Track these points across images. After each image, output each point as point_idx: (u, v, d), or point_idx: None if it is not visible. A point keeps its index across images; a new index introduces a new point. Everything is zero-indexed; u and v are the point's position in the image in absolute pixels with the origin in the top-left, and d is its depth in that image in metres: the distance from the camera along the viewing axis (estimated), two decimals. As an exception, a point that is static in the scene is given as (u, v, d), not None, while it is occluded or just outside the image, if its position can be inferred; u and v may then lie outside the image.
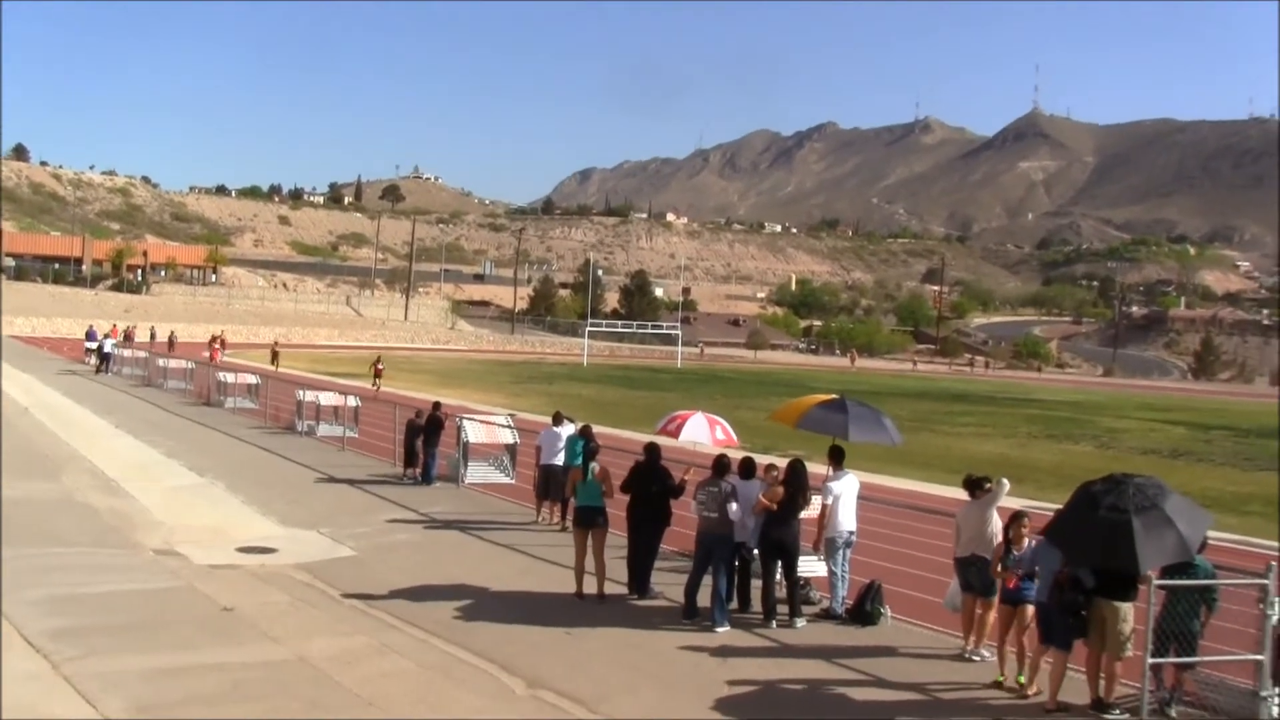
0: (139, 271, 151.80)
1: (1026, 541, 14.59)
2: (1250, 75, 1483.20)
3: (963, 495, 16.72)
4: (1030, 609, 14.42)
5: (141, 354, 66.70)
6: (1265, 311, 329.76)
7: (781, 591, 17.77)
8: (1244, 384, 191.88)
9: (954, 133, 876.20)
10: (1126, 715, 13.52)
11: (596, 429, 24.46)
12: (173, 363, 59.04)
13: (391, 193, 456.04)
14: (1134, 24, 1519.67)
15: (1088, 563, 13.60)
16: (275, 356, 76.08)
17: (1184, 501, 13.78)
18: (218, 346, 74.44)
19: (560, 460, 24.53)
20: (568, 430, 25.27)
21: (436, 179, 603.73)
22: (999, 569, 14.79)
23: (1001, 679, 14.46)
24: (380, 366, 63.26)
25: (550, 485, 24.86)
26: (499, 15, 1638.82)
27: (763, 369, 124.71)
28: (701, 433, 23.34)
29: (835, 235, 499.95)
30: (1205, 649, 13.81)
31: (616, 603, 18.12)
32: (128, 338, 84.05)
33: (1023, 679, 14.38)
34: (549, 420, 26.82)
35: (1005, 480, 16.60)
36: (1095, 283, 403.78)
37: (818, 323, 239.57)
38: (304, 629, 15.84)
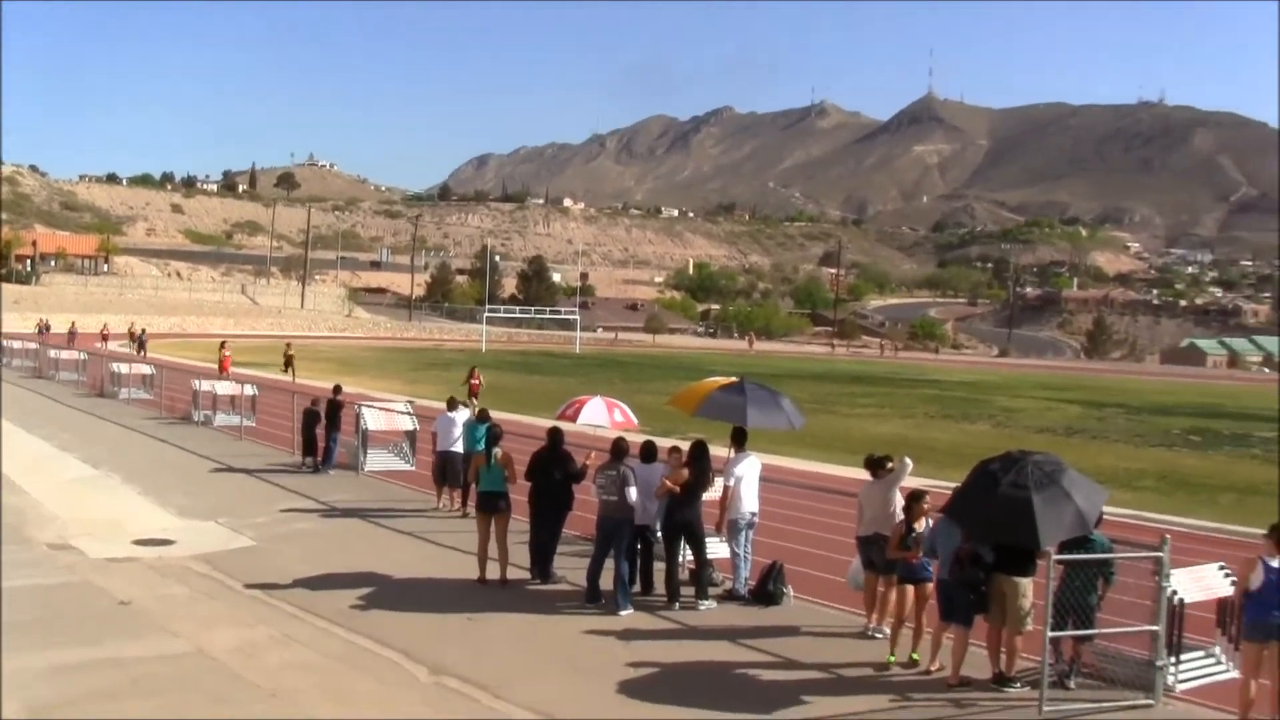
0: (28, 262, 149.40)
1: (925, 520, 14.75)
2: (1140, 59, 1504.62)
3: (864, 475, 16.83)
4: (929, 586, 14.58)
5: (32, 345, 65.68)
6: (1155, 291, 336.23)
7: (685, 573, 17.86)
8: (1135, 362, 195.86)
9: (849, 117, 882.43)
10: (1027, 688, 13.70)
11: (496, 415, 24.44)
12: (64, 354, 58.12)
13: (287, 180, 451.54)
14: (1026, 8, 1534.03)
15: (990, 539, 13.78)
16: (289, 363, 60.51)
17: (1080, 478, 14.01)
18: (228, 354, 58.11)
19: (457, 446, 24.58)
20: (462, 416, 25.39)
21: (332, 166, 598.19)
22: (898, 548, 14.91)
23: (892, 659, 14.59)
24: (478, 382, 49.95)
25: (448, 471, 24.86)
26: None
27: (662, 353, 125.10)
28: (600, 415, 23.38)
29: (732, 219, 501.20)
30: (1102, 621, 14.00)
31: (519, 588, 18.10)
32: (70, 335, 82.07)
33: (917, 655, 14.52)
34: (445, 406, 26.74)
35: (908, 460, 16.74)
36: (990, 264, 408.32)
37: (715, 306, 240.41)
38: (204, 621, 15.67)
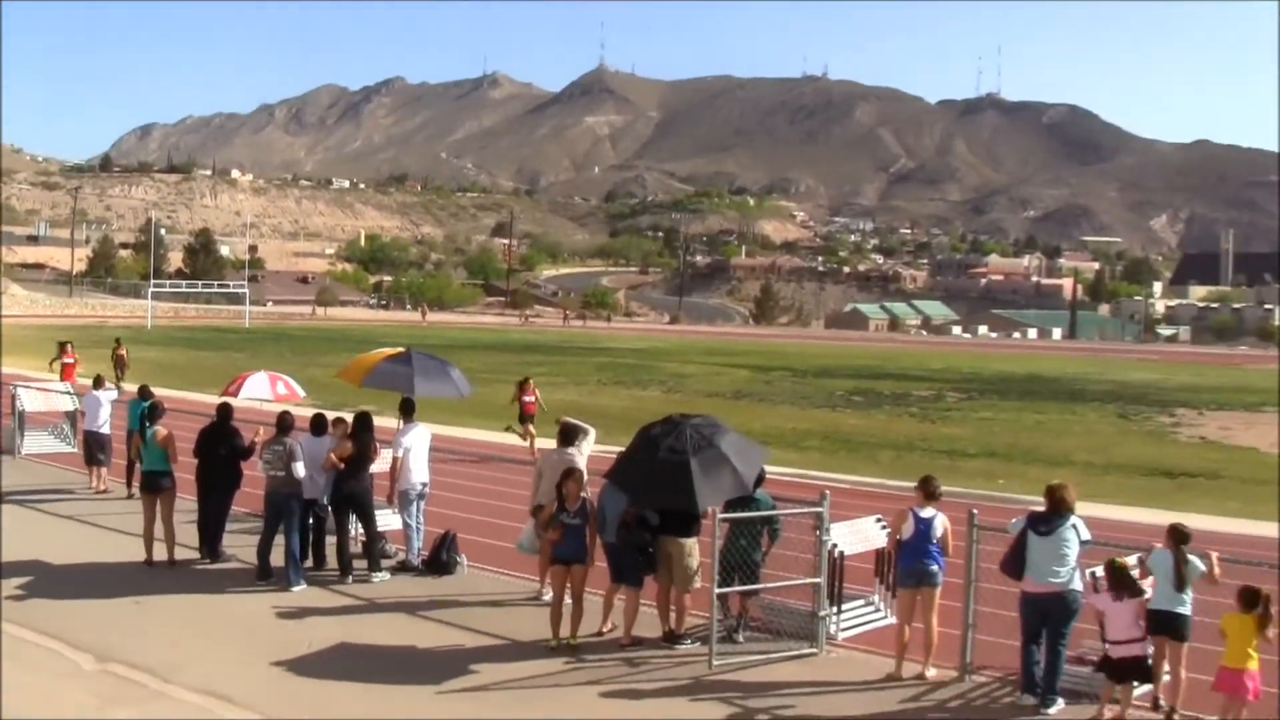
0: None
1: (581, 499, 14.74)
2: (804, 34, 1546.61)
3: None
4: (583, 568, 14.58)
5: None
6: (819, 259, 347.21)
7: (357, 546, 17.74)
8: (801, 327, 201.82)
9: (522, 88, 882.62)
10: (697, 644, 14.14)
11: (162, 392, 23.85)
12: None
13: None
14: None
15: (651, 503, 14.12)
16: (120, 364, 48.62)
17: (739, 439, 14.47)
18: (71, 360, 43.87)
19: (104, 426, 24.02)
20: (110, 395, 24.88)
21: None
22: (547, 526, 14.82)
23: (554, 642, 14.34)
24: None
25: (93, 450, 24.22)
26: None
27: (333, 326, 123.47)
28: (263, 389, 23.15)
29: (404, 190, 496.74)
30: (768, 576, 14.49)
31: (188, 568, 17.78)
32: None
33: (574, 640, 14.38)
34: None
35: (591, 428, 16.97)
36: (660, 234, 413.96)
37: (388, 278, 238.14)
38: None
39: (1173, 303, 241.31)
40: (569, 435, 16.49)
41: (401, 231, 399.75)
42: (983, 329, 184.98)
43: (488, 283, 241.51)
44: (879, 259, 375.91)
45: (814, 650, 14.04)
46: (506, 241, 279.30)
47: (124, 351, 48.65)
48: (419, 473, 17.97)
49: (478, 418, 36.64)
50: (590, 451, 16.64)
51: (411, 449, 17.86)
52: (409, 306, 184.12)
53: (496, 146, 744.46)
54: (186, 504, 18.57)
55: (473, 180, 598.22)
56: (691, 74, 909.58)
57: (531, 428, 31.59)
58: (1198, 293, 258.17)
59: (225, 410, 18.49)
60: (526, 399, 32.42)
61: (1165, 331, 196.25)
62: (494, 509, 22.33)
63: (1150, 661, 12.14)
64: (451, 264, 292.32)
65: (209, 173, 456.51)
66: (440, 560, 17.59)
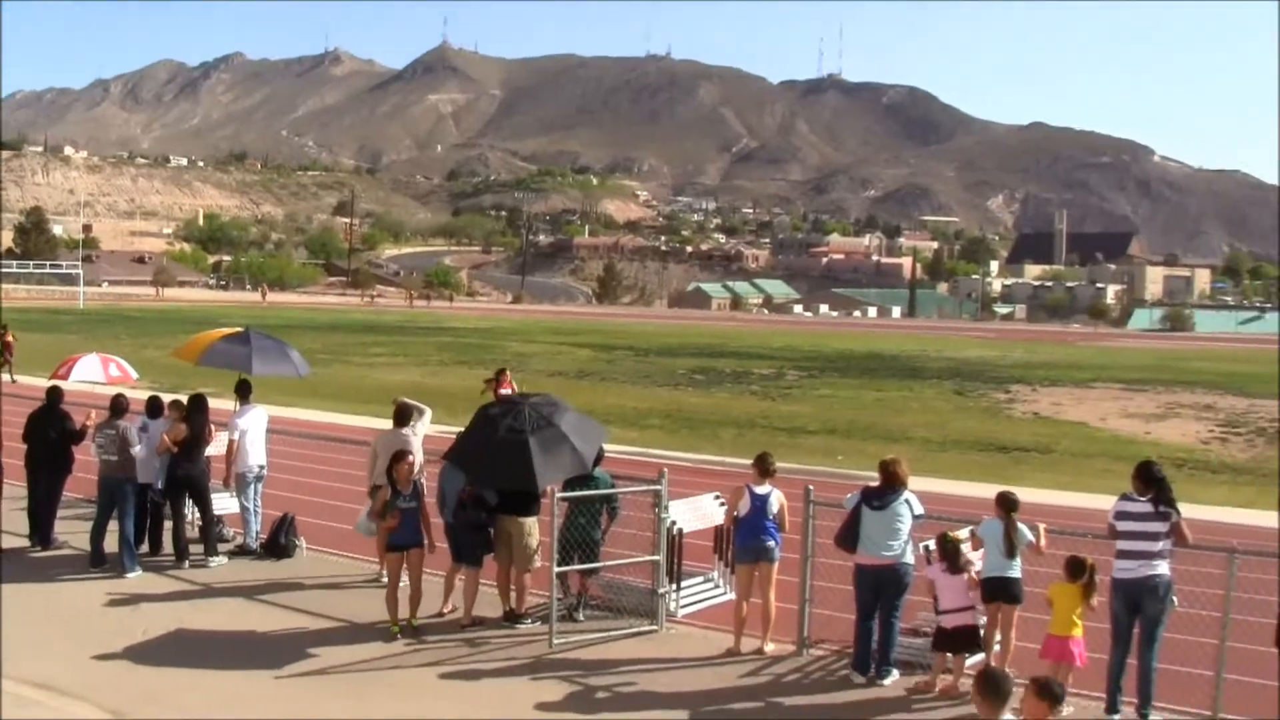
0: None
1: (414, 482, 14.52)
2: (647, 13, 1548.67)
3: (370, 424, 16.87)
4: (419, 552, 14.36)
5: None
6: (663, 238, 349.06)
7: (194, 531, 17.49)
8: (644, 306, 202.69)
9: (363, 65, 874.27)
10: (538, 623, 14.15)
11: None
12: None
13: None
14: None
15: (490, 482, 14.08)
16: (6, 351, 43.53)
17: (578, 418, 14.50)
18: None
19: None
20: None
21: None
22: (382, 515, 14.38)
23: (395, 627, 14.03)
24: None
25: None
26: None
27: (171, 307, 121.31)
28: (94, 371, 22.74)
29: (244, 168, 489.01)
30: (607, 555, 14.63)
31: (18, 556, 17.31)
32: None
33: (416, 621, 14.26)
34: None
35: (427, 408, 16.93)
36: (504, 213, 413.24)
37: (227, 258, 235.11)
38: None
39: (1008, 281, 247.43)
40: (404, 415, 16.46)
41: (241, 210, 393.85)
42: (824, 308, 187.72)
43: (329, 262, 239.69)
44: (721, 238, 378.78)
45: (654, 627, 14.15)
46: (348, 221, 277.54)
47: (11, 337, 43.68)
48: (256, 455, 17.77)
49: (317, 398, 36.31)
50: (427, 431, 16.60)
51: (248, 431, 17.64)
52: (249, 287, 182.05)
53: (338, 124, 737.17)
54: (16, 490, 18.17)
55: (314, 158, 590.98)
56: (535, 52, 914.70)
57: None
58: (1032, 271, 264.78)
59: (55, 393, 18.08)
60: (503, 391, 28.81)
61: (1001, 310, 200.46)
62: (332, 490, 22.15)
63: (983, 632, 12.46)
64: (292, 243, 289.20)
65: (41, 149, 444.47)
66: (278, 543, 17.41)
